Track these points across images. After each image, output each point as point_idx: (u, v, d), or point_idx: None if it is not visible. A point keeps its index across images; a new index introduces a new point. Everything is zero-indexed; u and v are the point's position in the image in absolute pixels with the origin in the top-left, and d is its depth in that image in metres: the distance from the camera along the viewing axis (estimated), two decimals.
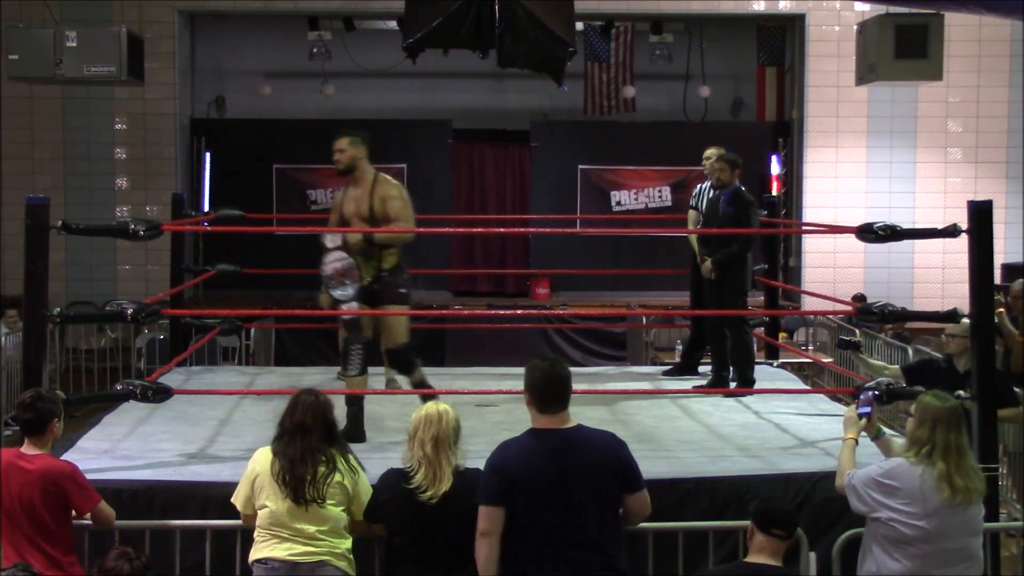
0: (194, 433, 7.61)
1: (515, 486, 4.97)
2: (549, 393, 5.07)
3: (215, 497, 6.09)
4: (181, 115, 16.23)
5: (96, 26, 13.58)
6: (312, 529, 5.24)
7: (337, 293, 7.33)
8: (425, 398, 6.87)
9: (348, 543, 5.35)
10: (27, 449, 5.51)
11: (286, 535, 5.26)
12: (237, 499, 5.49)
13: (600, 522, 5.02)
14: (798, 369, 11.38)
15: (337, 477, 5.30)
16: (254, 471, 5.41)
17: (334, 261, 7.36)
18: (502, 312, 13.50)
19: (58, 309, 7.10)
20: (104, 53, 12.56)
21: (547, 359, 5.23)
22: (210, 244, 15.70)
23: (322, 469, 5.27)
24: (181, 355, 9.50)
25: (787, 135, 16.56)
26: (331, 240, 7.45)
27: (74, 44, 12.48)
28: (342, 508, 5.33)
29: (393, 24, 14.56)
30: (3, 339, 11.57)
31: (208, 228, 7.01)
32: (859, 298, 13.01)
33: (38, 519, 5.36)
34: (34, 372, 6.62)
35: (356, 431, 7.31)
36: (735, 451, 7.22)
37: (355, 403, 7.45)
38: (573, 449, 5.02)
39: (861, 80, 13.84)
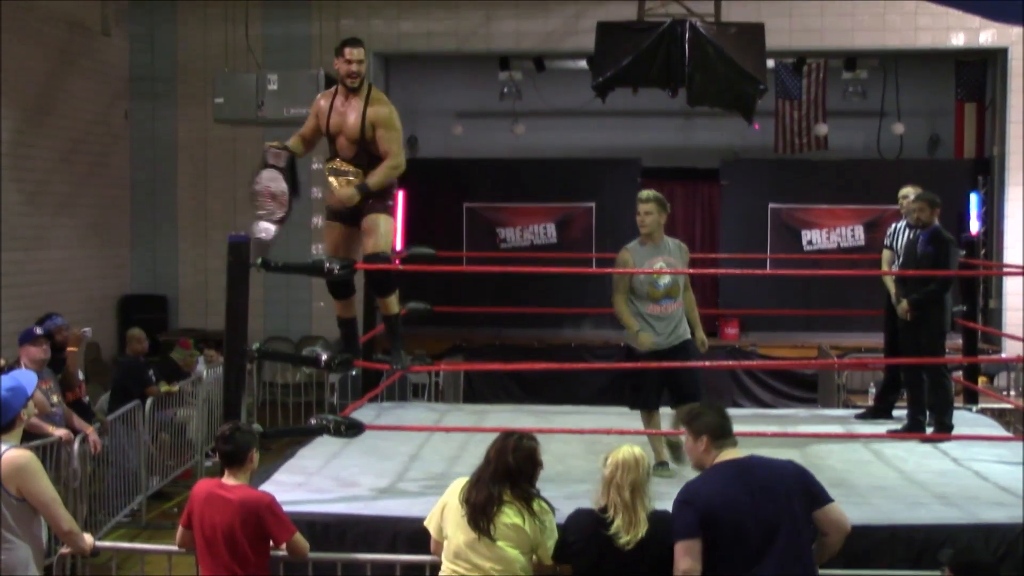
0: (385, 468, 7.73)
1: (709, 514, 4.86)
2: (724, 427, 5.13)
3: (405, 532, 6.18)
4: None
5: (295, 69, 13.98)
6: (488, 566, 5.25)
7: (261, 225, 7.02)
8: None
9: None
10: (227, 479, 5.68)
11: (462, 571, 5.29)
12: (430, 523, 5.56)
13: (795, 551, 4.85)
14: (999, 415, 10.95)
15: (519, 520, 5.29)
16: (446, 500, 5.48)
17: (269, 180, 7.07)
18: None
19: (257, 345, 7.32)
20: (303, 94, 12.93)
21: (705, 405, 5.36)
22: (400, 281, 15.94)
23: (508, 509, 5.29)
24: (373, 391, 9.67)
25: (987, 172, 16.05)
26: (274, 157, 7.11)
27: (275, 87, 12.92)
28: (521, 551, 5.30)
29: (583, 64, 14.66)
30: (204, 373, 11.98)
31: (400, 267, 7.09)
32: None
33: (237, 548, 5.51)
34: (233, 405, 6.85)
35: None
36: (932, 499, 7.00)
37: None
38: (754, 470, 4.99)
39: None
